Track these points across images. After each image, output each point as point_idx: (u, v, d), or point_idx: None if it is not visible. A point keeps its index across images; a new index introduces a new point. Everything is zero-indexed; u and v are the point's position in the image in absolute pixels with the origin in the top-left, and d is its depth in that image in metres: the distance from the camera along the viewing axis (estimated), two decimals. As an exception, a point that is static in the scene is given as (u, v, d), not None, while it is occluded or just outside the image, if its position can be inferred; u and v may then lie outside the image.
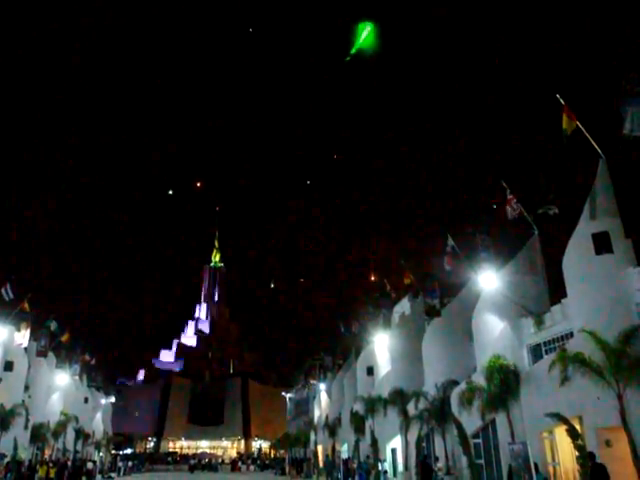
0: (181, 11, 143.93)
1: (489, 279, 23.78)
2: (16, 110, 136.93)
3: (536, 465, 17.73)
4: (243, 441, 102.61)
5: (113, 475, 53.38)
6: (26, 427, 35.54)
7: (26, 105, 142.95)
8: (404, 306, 36.77)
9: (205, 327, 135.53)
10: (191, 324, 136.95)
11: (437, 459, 26.75)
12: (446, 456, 25.78)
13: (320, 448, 51.06)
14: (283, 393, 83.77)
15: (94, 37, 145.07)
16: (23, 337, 35.12)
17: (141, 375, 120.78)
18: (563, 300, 20.56)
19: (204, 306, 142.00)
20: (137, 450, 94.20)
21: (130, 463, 64.62)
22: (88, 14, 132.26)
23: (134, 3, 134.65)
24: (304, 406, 67.58)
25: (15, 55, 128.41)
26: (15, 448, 32.01)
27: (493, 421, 22.51)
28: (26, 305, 35.48)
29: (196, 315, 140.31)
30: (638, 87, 16.41)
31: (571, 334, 19.55)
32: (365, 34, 41.26)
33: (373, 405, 34.30)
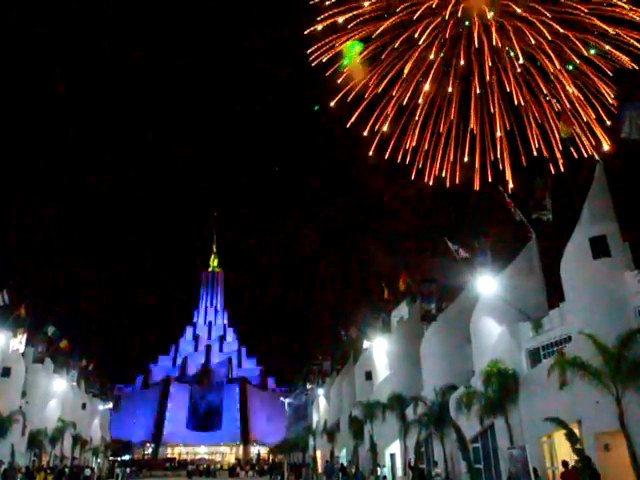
0: (183, 13, 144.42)
1: (487, 283, 23.74)
2: (14, 111, 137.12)
3: (535, 470, 17.68)
4: (242, 446, 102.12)
5: (111, 482, 53.06)
6: (23, 433, 35.34)
7: (24, 105, 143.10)
8: (402, 310, 36.73)
9: (203, 332, 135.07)
10: (189, 329, 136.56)
11: (436, 464, 26.64)
12: (445, 461, 25.67)
13: (319, 453, 50.85)
14: (281, 398, 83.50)
15: (92, 38, 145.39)
16: (19, 343, 35.02)
17: (139, 381, 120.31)
18: (561, 304, 20.55)
19: (202, 311, 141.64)
20: (135, 456, 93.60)
21: (128, 469, 64.06)
22: (88, 15, 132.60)
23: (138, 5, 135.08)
24: (302, 411, 67.34)
25: (15, 56, 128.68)
26: (12, 455, 31.83)
27: (492, 426, 22.43)
28: (22, 310, 35.37)
29: (194, 320, 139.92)
30: (636, 90, 16.46)
31: (569, 338, 19.52)
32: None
33: (372, 410, 34.16)
